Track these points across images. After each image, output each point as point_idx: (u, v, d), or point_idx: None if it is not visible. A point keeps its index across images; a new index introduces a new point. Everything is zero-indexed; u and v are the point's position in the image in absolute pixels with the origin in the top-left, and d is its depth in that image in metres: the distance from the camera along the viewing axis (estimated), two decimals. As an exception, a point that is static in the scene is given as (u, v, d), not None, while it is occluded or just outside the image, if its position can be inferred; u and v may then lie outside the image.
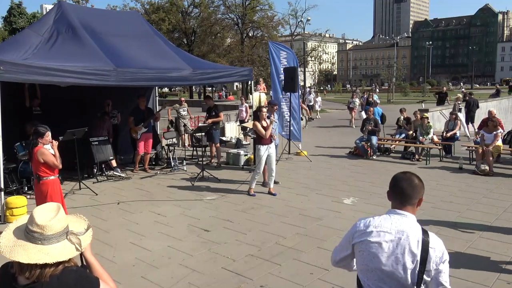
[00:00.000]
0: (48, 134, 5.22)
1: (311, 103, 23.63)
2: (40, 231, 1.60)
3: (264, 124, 7.56)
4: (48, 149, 5.25)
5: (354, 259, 2.20)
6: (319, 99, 25.37)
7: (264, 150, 7.59)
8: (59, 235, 1.64)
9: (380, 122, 12.06)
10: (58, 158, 5.17)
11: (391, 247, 2.01)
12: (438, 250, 2.02)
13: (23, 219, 1.71)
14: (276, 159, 8.96)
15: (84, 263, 1.83)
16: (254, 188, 7.69)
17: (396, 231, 2.02)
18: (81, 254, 1.80)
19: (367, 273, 2.09)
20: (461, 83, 78.94)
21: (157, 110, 11.24)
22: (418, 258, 1.96)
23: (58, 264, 1.61)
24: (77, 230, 1.72)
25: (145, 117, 9.52)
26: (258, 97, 13.43)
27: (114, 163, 9.27)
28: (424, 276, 1.96)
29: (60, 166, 5.21)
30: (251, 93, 12.26)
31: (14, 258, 1.56)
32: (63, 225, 1.66)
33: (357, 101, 21.14)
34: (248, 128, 10.70)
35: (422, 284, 1.98)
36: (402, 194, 2.09)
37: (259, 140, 7.62)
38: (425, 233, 2.03)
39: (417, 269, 1.96)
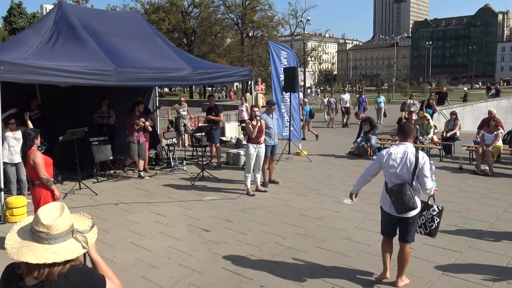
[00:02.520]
0: (38, 137, 5.19)
1: (347, 105, 19.70)
2: (46, 231, 1.61)
3: (254, 123, 7.58)
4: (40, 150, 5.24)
5: (378, 170, 4.20)
6: (348, 98, 20.63)
7: (253, 149, 7.61)
8: (65, 234, 1.65)
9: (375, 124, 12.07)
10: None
11: (400, 160, 3.93)
12: (422, 157, 3.91)
13: (26, 220, 1.72)
14: (276, 159, 8.99)
15: (88, 261, 1.83)
16: (250, 187, 7.70)
17: (402, 152, 3.96)
18: (86, 252, 1.80)
19: (389, 176, 4.03)
20: (479, 83, 77.05)
21: (154, 110, 11.25)
22: (413, 162, 3.87)
23: (66, 262, 1.62)
24: (82, 229, 1.73)
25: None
26: (256, 97, 13.42)
27: (141, 166, 9.21)
28: (416, 172, 3.89)
29: (44, 178, 4.91)
30: (251, 93, 12.26)
31: (22, 259, 1.57)
32: (69, 224, 1.67)
33: (417, 103, 16.78)
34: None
35: (415, 177, 3.90)
36: (404, 133, 4.10)
37: (249, 138, 7.68)
38: (416, 150, 3.96)
39: (412, 168, 3.88)
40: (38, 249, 1.59)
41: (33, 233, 1.62)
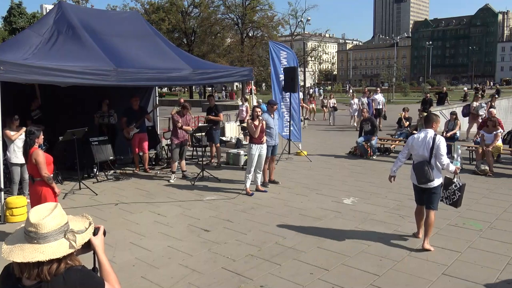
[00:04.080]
0: (41, 135, 5.21)
1: (380, 106, 17.44)
2: (34, 230, 1.60)
3: (256, 123, 7.56)
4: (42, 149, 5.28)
5: (407, 153, 5.27)
6: (381, 99, 18.02)
7: (255, 149, 7.60)
8: (55, 234, 1.63)
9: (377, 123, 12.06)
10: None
11: (421, 143, 4.97)
12: (438, 139, 4.89)
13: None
14: (276, 159, 8.99)
15: (97, 263, 1.83)
16: (249, 187, 7.69)
17: (423, 137, 4.97)
18: (94, 255, 1.80)
19: (414, 156, 5.11)
20: (491, 83, 72.99)
21: (151, 109, 11.26)
22: (431, 144, 4.88)
23: (58, 262, 1.61)
24: (78, 229, 1.71)
25: (138, 118, 9.49)
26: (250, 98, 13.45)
27: (184, 166, 9.20)
28: (433, 152, 4.88)
29: (45, 176, 5.01)
30: (250, 94, 12.25)
31: (10, 258, 1.58)
32: (59, 223, 1.65)
33: (485, 105, 14.40)
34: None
35: (432, 156, 4.88)
36: (426, 121, 5.14)
37: (251, 139, 7.66)
38: (435, 134, 4.94)
39: (429, 149, 4.88)
40: (27, 248, 1.59)
41: (25, 233, 1.63)
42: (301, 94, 19.47)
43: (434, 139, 4.87)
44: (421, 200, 5.16)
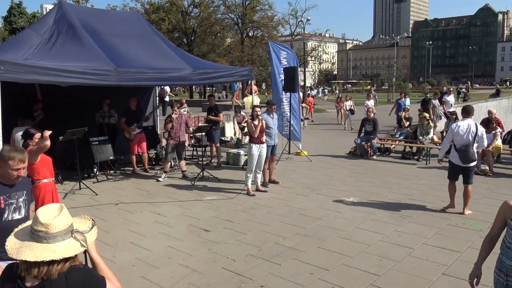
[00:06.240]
0: (38, 136, 5.17)
1: (451, 109, 14.92)
2: (45, 230, 1.63)
3: (256, 123, 7.56)
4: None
5: (451, 138, 6.35)
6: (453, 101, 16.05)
7: (256, 149, 7.60)
8: (64, 233, 1.66)
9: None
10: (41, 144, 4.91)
11: (466, 130, 6.18)
12: (480, 129, 6.28)
13: (27, 223, 1.75)
14: (276, 159, 8.99)
15: (89, 261, 1.85)
16: (251, 187, 7.69)
17: (467, 125, 6.23)
18: (86, 253, 1.83)
19: (458, 141, 6.17)
20: (506, 83, 68.58)
21: (152, 110, 11.23)
22: (474, 131, 6.17)
23: (65, 261, 1.64)
24: (82, 229, 1.75)
25: (138, 118, 9.48)
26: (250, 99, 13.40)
27: (183, 166, 9.19)
28: (476, 138, 6.18)
29: (47, 144, 4.84)
30: (250, 94, 12.24)
31: (21, 258, 1.60)
32: (67, 223, 1.69)
33: None
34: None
35: (475, 141, 6.16)
36: (466, 112, 6.42)
37: (251, 139, 7.66)
38: (476, 124, 6.32)
39: (473, 135, 6.14)
40: (37, 248, 1.61)
41: (33, 233, 1.64)
42: (301, 94, 19.06)
43: (477, 128, 6.18)
44: (455, 177, 6.41)
